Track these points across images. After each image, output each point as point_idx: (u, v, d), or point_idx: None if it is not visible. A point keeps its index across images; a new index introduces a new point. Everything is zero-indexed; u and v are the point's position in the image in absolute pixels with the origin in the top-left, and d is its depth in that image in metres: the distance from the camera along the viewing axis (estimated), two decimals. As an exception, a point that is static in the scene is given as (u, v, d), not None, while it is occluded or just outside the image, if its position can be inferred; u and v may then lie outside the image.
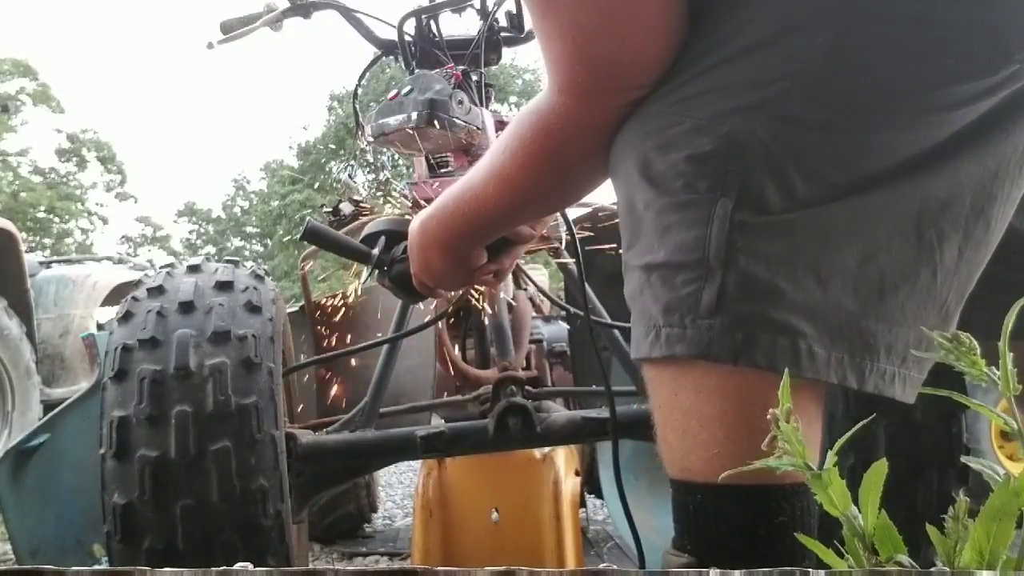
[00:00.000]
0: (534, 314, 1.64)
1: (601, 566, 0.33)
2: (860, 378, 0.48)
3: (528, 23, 1.39)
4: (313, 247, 1.50)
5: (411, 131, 1.14)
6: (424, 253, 0.74)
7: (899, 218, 0.48)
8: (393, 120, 1.14)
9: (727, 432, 0.49)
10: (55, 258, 4.28)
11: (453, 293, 1.25)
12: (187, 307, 0.86)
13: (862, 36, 0.47)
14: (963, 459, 0.42)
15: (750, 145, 0.47)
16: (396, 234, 0.88)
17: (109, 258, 4.33)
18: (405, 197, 1.17)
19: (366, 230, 0.92)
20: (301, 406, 1.42)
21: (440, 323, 1.28)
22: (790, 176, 0.47)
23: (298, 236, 0.94)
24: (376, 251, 0.88)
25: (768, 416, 0.36)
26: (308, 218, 0.95)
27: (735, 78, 0.48)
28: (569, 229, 0.95)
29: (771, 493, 0.49)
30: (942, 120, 0.47)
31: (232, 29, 1.42)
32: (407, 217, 0.91)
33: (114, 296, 3.66)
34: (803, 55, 0.47)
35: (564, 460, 1.13)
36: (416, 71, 1.28)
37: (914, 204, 0.48)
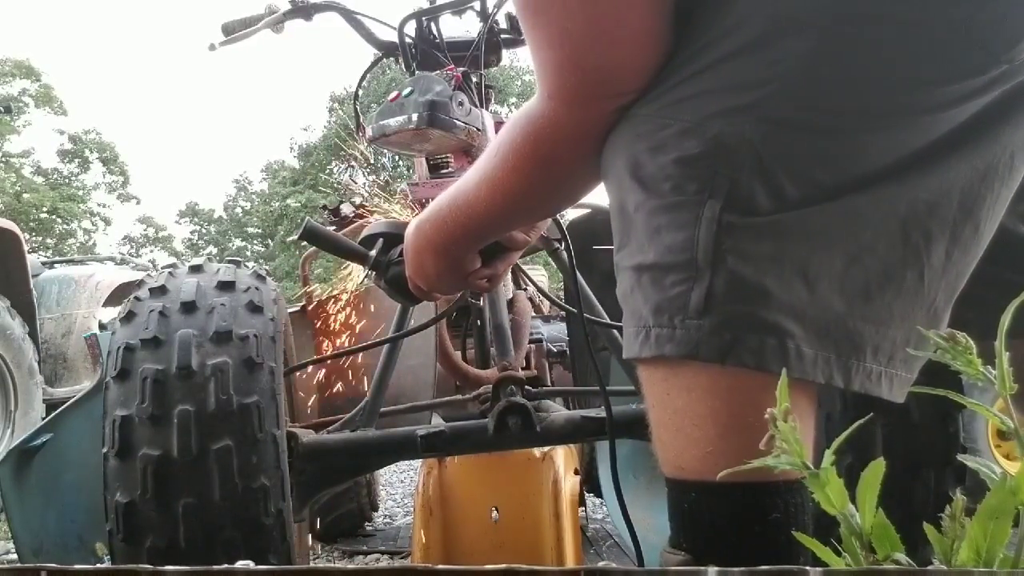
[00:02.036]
0: (534, 314, 1.64)
1: (600, 564, 0.33)
2: (847, 377, 0.48)
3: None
4: (314, 248, 1.51)
5: (411, 132, 1.14)
6: (418, 257, 0.74)
7: (886, 219, 0.48)
8: (393, 121, 1.14)
9: (719, 431, 0.49)
10: (58, 259, 4.29)
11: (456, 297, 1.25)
12: (189, 307, 0.86)
13: (847, 38, 0.47)
14: (960, 458, 0.42)
15: (738, 147, 0.47)
16: (394, 236, 0.88)
17: (111, 259, 4.34)
18: (405, 199, 1.17)
19: (364, 232, 0.93)
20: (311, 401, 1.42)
21: (440, 323, 1.28)
22: (778, 178, 0.47)
23: (297, 236, 0.94)
24: (373, 253, 0.88)
25: (765, 415, 0.36)
26: (307, 218, 0.95)
27: (723, 81, 0.49)
28: (561, 232, 0.95)
29: (765, 490, 0.49)
30: (929, 121, 0.48)
31: (233, 31, 1.43)
32: (405, 220, 0.91)
33: (116, 296, 3.67)
34: (789, 58, 0.47)
35: (563, 459, 1.14)
36: (416, 73, 1.29)
37: (901, 206, 0.48)
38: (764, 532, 0.49)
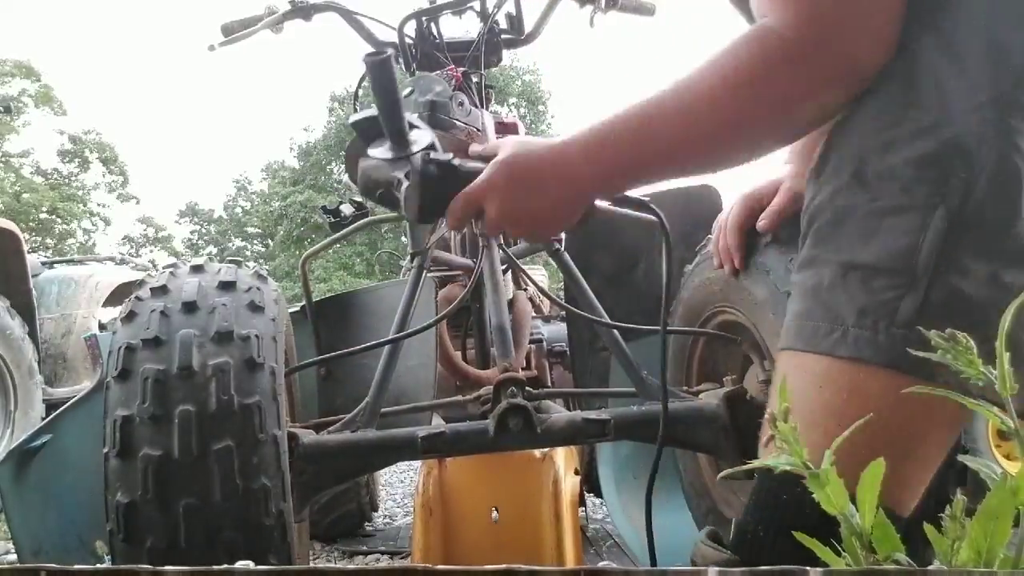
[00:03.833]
0: (534, 314, 1.64)
1: (600, 564, 0.33)
2: None
3: (528, 25, 1.39)
4: (314, 247, 1.51)
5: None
6: (540, 187, 0.65)
7: None
8: (394, 121, 1.14)
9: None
10: (57, 259, 4.28)
11: (456, 298, 1.24)
12: (190, 307, 0.86)
13: None
14: (960, 458, 0.42)
15: (977, 151, 0.44)
16: (435, 147, 0.80)
17: (111, 259, 4.34)
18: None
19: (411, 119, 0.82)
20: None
21: (441, 323, 1.28)
22: (1016, 187, 0.44)
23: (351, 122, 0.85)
24: (419, 148, 0.79)
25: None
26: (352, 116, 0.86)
27: (964, 80, 0.46)
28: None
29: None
30: None
31: (233, 31, 1.43)
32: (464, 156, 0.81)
33: (116, 296, 3.67)
34: None
35: (563, 459, 1.14)
36: (416, 73, 1.29)
37: None
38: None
